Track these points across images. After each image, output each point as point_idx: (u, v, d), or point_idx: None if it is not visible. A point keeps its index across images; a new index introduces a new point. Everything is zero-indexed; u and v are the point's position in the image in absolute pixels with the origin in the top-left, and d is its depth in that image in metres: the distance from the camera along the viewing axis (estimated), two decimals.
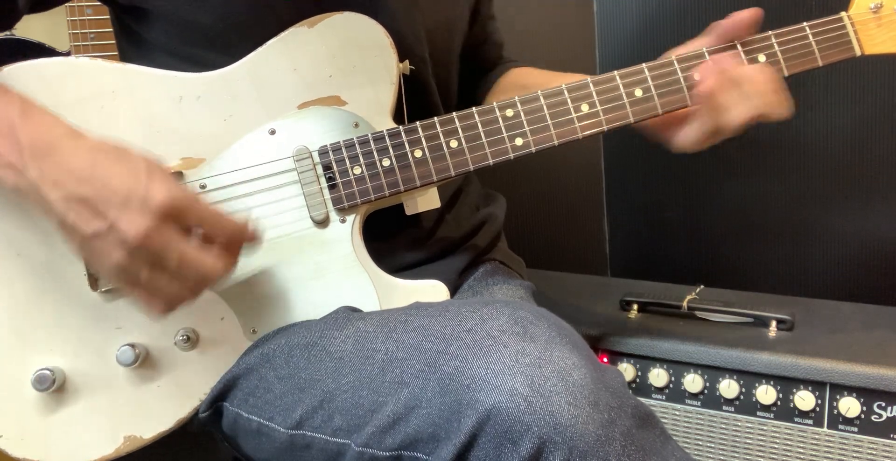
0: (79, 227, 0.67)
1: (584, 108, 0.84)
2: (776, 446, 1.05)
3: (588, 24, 1.57)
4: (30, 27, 1.52)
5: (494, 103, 0.83)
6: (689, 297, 1.16)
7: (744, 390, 1.05)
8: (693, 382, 1.07)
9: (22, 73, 0.79)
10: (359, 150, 0.83)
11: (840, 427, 1.01)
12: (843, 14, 0.86)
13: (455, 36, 0.99)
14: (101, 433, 0.80)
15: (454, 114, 0.83)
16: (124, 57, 0.93)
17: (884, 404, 0.99)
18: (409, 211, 0.90)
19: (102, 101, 0.80)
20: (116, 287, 0.80)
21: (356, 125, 0.84)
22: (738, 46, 0.84)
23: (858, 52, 0.86)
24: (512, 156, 0.84)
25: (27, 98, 0.72)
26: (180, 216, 0.68)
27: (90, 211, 0.66)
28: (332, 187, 0.83)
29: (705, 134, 0.82)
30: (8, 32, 1.52)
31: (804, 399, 1.02)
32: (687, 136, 0.83)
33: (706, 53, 0.84)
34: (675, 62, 0.84)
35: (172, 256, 0.67)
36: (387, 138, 0.83)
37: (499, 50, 1.12)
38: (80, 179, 0.67)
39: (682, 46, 0.86)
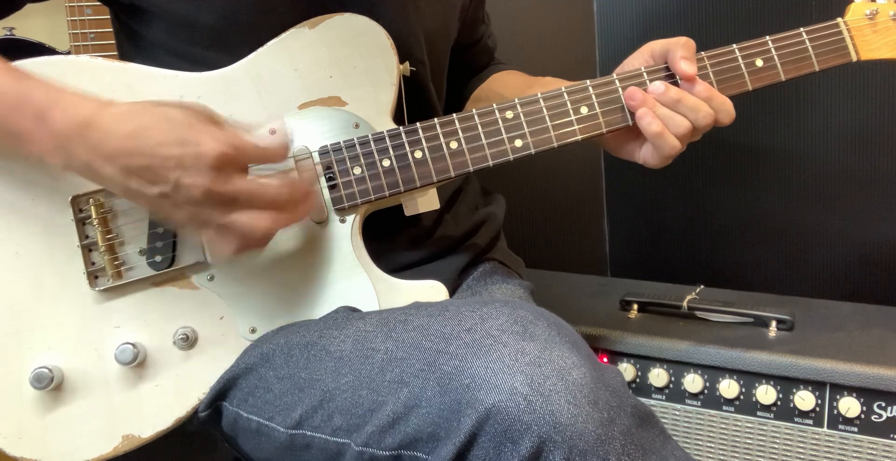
0: (143, 192, 0.70)
1: (584, 110, 0.84)
2: (776, 446, 1.05)
3: (588, 24, 1.57)
4: (30, 27, 1.52)
5: (494, 105, 0.83)
6: (689, 297, 1.16)
7: (744, 390, 1.05)
8: (693, 382, 1.07)
9: None
10: (359, 151, 0.83)
11: (840, 427, 1.01)
12: (839, 20, 0.87)
13: (450, 40, 0.99)
14: (99, 432, 0.80)
15: (454, 115, 0.83)
16: (124, 56, 0.93)
17: (884, 404, 0.99)
18: (408, 212, 0.90)
19: None
20: (115, 286, 0.81)
21: (356, 126, 0.84)
22: (737, 51, 0.85)
23: (855, 58, 0.87)
24: (511, 157, 0.84)
25: (44, 80, 0.74)
26: (234, 162, 0.70)
27: (150, 178, 0.69)
28: (332, 187, 0.83)
29: (664, 156, 0.83)
30: (8, 32, 1.52)
31: (804, 399, 1.02)
32: (650, 152, 0.84)
33: (644, 73, 0.84)
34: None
35: (240, 194, 0.70)
36: (387, 139, 0.83)
37: (488, 54, 1.12)
38: (129, 151, 0.69)
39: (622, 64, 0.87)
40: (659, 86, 0.82)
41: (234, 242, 0.72)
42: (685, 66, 0.82)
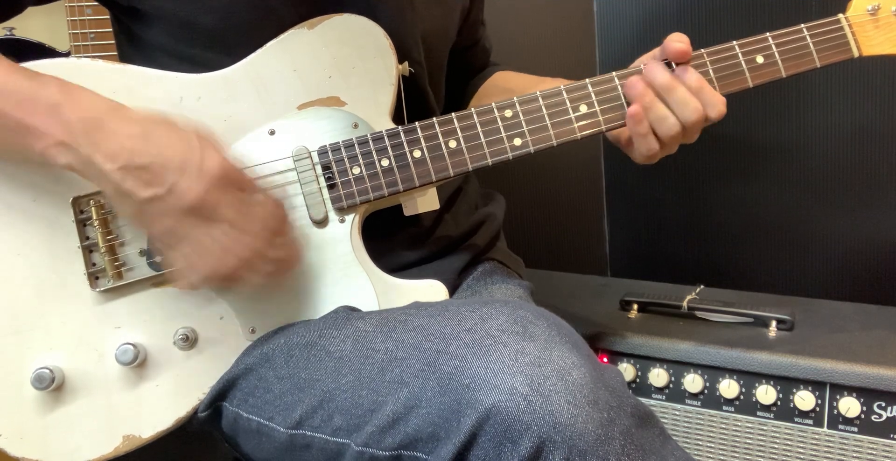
0: (135, 192, 0.70)
1: (583, 108, 0.84)
2: (776, 446, 1.05)
3: (588, 24, 1.57)
4: (30, 27, 1.52)
5: (493, 104, 0.83)
6: (689, 297, 1.16)
7: (744, 390, 1.05)
8: (693, 382, 1.07)
9: None
10: (358, 151, 0.83)
11: (840, 427, 1.01)
12: (840, 16, 0.86)
13: (449, 42, 0.99)
14: (99, 432, 0.80)
15: (453, 114, 0.83)
16: (124, 57, 0.93)
17: (884, 404, 0.99)
18: (407, 212, 0.90)
19: None
20: (116, 287, 0.81)
21: (355, 126, 0.84)
22: (737, 47, 0.84)
23: (856, 54, 0.86)
24: (511, 156, 0.84)
25: (61, 78, 0.74)
26: (230, 183, 0.72)
27: (148, 178, 0.70)
28: (331, 187, 0.83)
29: (643, 155, 0.83)
30: (8, 32, 1.52)
31: (804, 399, 1.02)
32: (633, 152, 0.85)
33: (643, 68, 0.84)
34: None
35: (227, 214, 0.71)
36: (386, 139, 0.83)
37: (486, 56, 1.13)
38: (135, 149, 0.70)
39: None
40: (656, 70, 0.81)
41: (206, 264, 0.72)
42: (677, 45, 0.81)
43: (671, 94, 0.81)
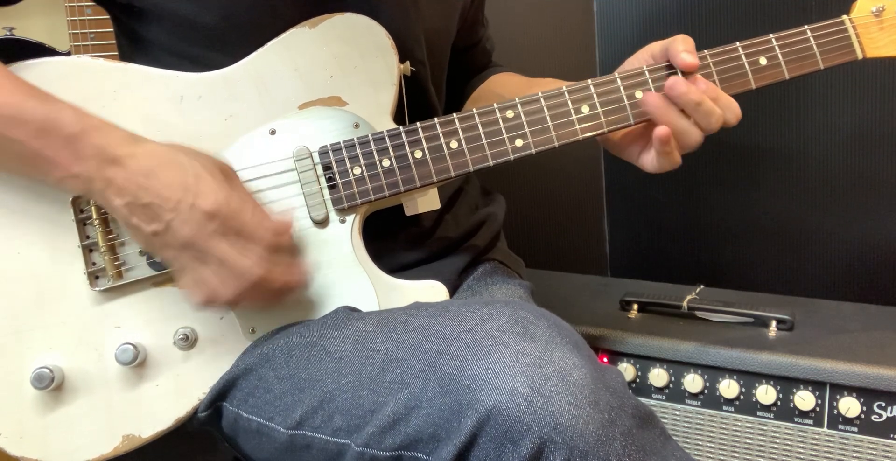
0: (141, 227, 0.74)
1: (585, 109, 0.84)
2: (776, 446, 1.05)
3: (588, 24, 1.57)
4: (30, 27, 1.52)
5: (495, 104, 0.83)
6: (689, 297, 1.16)
7: (744, 390, 1.05)
8: (693, 382, 1.07)
9: (23, 73, 0.79)
10: (359, 151, 0.83)
11: (840, 427, 1.01)
12: (844, 17, 0.86)
13: (451, 41, 0.99)
14: (99, 432, 0.80)
15: (454, 114, 0.83)
16: (125, 57, 0.93)
17: (884, 404, 0.99)
18: (408, 212, 0.90)
19: (103, 101, 0.80)
20: (116, 286, 0.81)
21: (356, 126, 0.84)
22: (740, 49, 0.84)
23: (860, 56, 0.86)
24: (512, 157, 0.84)
25: (75, 105, 0.75)
26: (224, 221, 0.73)
27: (149, 215, 0.73)
28: (331, 187, 0.83)
29: (668, 162, 0.84)
30: (8, 32, 1.52)
31: (804, 399, 1.02)
32: (651, 162, 0.85)
33: (646, 71, 0.84)
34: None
35: (213, 255, 0.73)
36: (387, 139, 0.83)
37: (487, 56, 1.13)
38: (140, 187, 0.73)
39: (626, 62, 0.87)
40: (679, 85, 0.80)
41: (202, 296, 0.75)
42: (687, 57, 0.81)
43: (699, 106, 0.80)
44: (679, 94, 0.80)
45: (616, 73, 0.85)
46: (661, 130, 0.81)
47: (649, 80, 0.84)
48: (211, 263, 0.74)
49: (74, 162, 0.73)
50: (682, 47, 0.82)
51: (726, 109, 0.81)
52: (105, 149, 0.73)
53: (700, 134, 0.81)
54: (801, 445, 1.04)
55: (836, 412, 1.01)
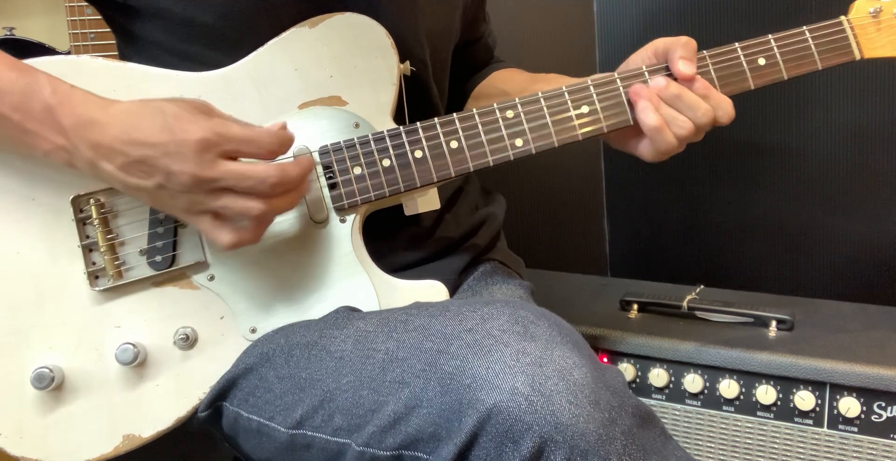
0: (142, 185, 0.72)
1: (585, 109, 0.84)
2: (776, 446, 1.05)
3: (588, 24, 1.57)
4: (30, 27, 1.52)
5: (495, 104, 0.83)
6: (689, 297, 1.16)
7: (744, 390, 1.05)
8: (693, 382, 1.07)
9: None
10: (359, 150, 0.83)
11: (840, 427, 1.01)
12: (842, 18, 0.86)
13: (453, 40, 0.99)
14: (99, 432, 0.80)
15: (454, 114, 0.83)
16: (125, 57, 0.93)
17: (884, 404, 0.99)
18: (408, 212, 0.90)
19: None
20: (116, 286, 0.81)
21: (357, 125, 0.84)
22: (739, 49, 0.84)
23: (858, 56, 0.86)
24: (512, 157, 0.84)
25: (52, 76, 0.75)
26: (218, 147, 0.71)
27: (145, 169, 0.71)
28: (332, 187, 0.83)
29: (659, 151, 0.84)
30: (8, 32, 1.51)
31: (804, 399, 1.02)
32: (648, 149, 0.85)
33: (646, 72, 0.84)
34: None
35: (225, 179, 0.71)
36: (387, 138, 0.83)
37: (489, 52, 1.12)
38: (126, 143, 0.71)
39: (624, 63, 0.87)
40: (660, 81, 0.82)
41: (229, 232, 0.74)
42: (683, 67, 0.82)
43: (680, 99, 0.81)
44: (660, 88, 0.82)
45: (616, 73, 0.85)
46: (640, 104, 0.82)
47: (648, 81, 0.84)
48: (227, 187, 0.72)
49: (55, 134, 0.73)
50: (679, 54, 0.82)
51: (717, 108, 0.82)
52: (81, 116, 0.72)
53: (688, 121, 0.81)
54: (801, 445, 1.04)
55: (836, 412, 1.01)
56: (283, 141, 0.75)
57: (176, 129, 0.71)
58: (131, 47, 0.90)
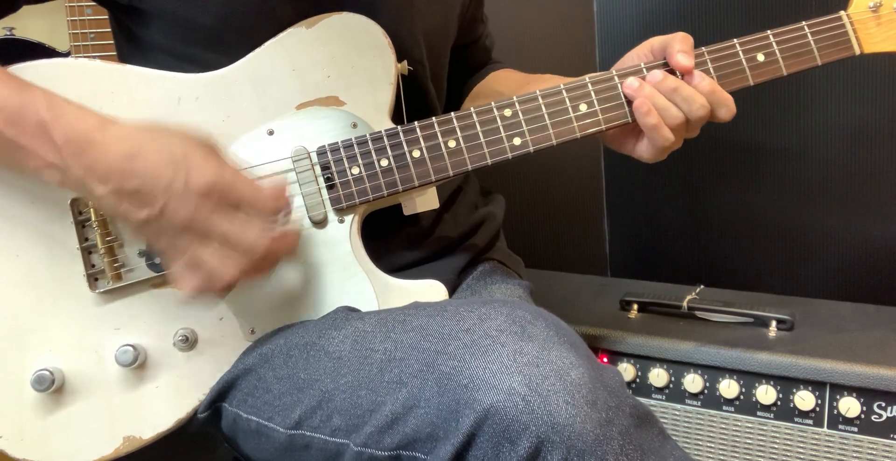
0: (131, 215, 0.70)
1: (583, 107, 0.84)
2: (776, 446, 1.05)
3: (588, 24, 1.57)
4: (30, 27, 1.52)
5: (493, 103, 0.83)
6: (689, 297, 1.16)
7: (744, 390, 1.05)
8: (693, 382, 1.07)
9: (20, 74, 0.79)
10: (357, 151, 0.83)
11: (840, 427, 1.01)
12: (842, 13, 0.86)
13: (450, 40, 0.99)
14: (100, 433, 0.80)
15: (452, 114, 0.83)
16: (123, 57, 0.93)
17: (884, 404, 0.98)
18: (407, 211, 0.90)
19: (101, 102, 0.80)
20: (115, 288, 0.81)
21: (354, 125, 0.84)
22: (738, 46, 0.84)
23: (858, 51, 0.86)
24: (510, 156, 0.84)
25: (49, 91, 0.73)
26: (221, 196, 0.70)
27: (139, 200, 0.69)
28: (330, 187, 0.83)
29: (658, 149, 0.83)
30: (8, 32, 1.52)
31: (804, 399, 1.02)
32: (647, 149, 0.85)
33: (644, 68, 0.84)
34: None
35: (216, 233, 0.70)
36: (385, 138, 0.83)
37: (486, 53, 1.12)
38: (124, 172, 0.69)
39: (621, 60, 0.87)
40: (657, 73, 0.82)
41: (198, 280, 0.72)
42: (681, 59, 0.82)
43: (676, 92, 0.81)
44: (657, 80, 0.81)
45: (613, 71, 0.85)
46: (637, 100, 0.81)
47: (646, 77, 0.84)
48: (212, 243, 0.70)
49: (47, 151, 0.70)
50: (678, 47, 0.82)
51: (719, 104, 0.82)
52: (76, 134, 0.70)
53: (680, 112, 0.81)
54: (801, 445, 1.03)
55: (836, 412, 1.01)
56: (283, 206, 0.74)
57: (182, 169, 0.69)
58: (131, 48, 0.90)
